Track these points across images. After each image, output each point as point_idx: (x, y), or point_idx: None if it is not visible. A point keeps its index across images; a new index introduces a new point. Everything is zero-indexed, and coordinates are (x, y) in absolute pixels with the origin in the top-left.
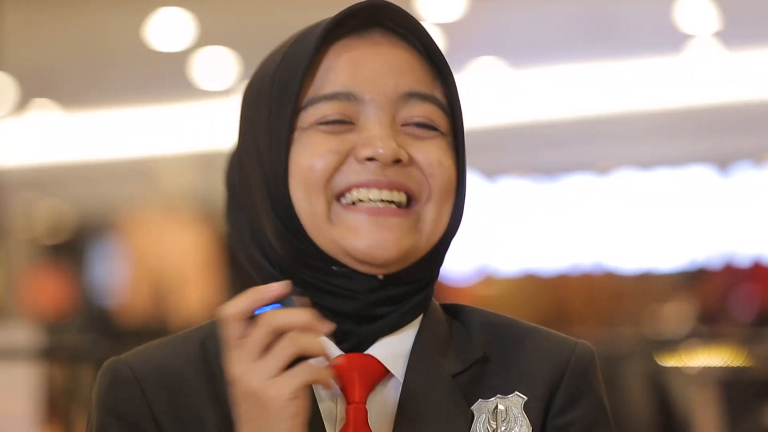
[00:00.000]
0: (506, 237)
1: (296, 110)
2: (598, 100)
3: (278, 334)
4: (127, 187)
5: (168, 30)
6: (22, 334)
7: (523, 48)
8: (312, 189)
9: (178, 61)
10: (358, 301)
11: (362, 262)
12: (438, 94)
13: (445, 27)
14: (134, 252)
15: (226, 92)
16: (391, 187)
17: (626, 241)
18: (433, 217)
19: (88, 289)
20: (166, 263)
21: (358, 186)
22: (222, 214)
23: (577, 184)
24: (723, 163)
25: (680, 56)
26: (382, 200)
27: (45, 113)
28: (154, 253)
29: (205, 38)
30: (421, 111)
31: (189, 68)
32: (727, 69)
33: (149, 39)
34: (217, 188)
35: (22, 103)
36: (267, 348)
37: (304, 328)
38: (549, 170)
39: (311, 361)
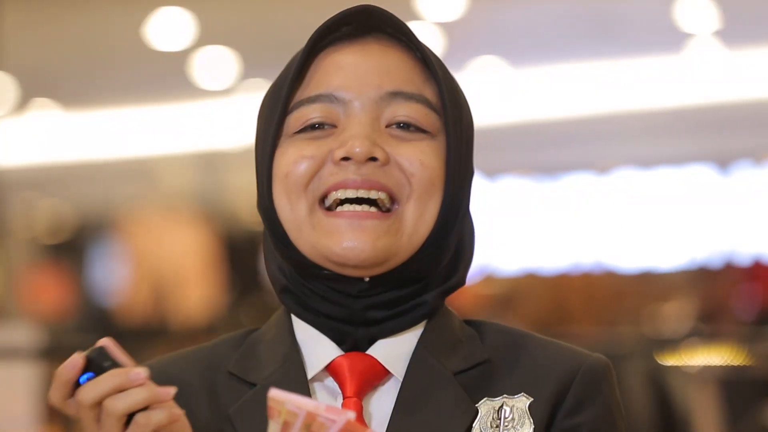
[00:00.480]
0: (506, 236)
1: (284, 115)
2: (598, 100)
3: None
4: (127, 187)
5: (168, 29)
6: (23, 334)
7: (524, 47)
8: (292, 195)
9: (178, 60)
10: (349, 307)
11: (340, 264)
12: (428, 93)
13: (445, 26)
14: (134, 252)
15: (226, 92)
16: (367, 185)
17: (626, 240)
18: (414, 217)
19: (88, 288)
20: (166, 263)
21: (336, 187)
22: (222, 214)
23: (578, 184)
24: (723, 162)
25: (680, 55)
26: (359, 198)
27: (45, 113)
28: (154, 253)
29: (205, 38)
30: (405, 111)
31: (189, 68)
32: (727, 68)
33: (149, 39)
34: (217, 188)
35: (23, 103)
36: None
37: (120, 389)
38: (549, 169)
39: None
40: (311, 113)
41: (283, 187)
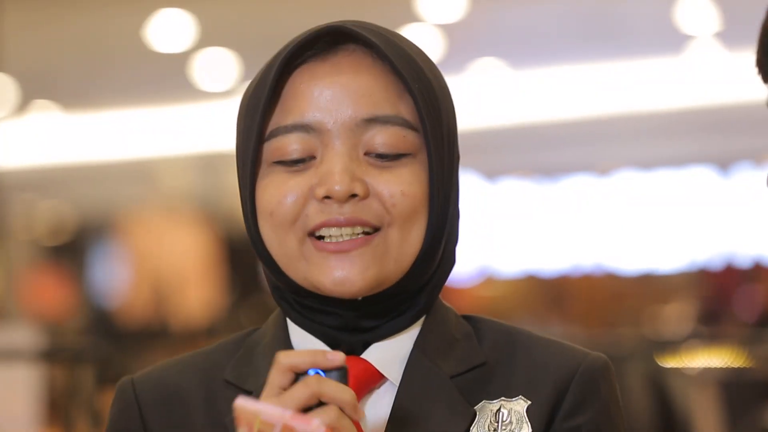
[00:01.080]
0: (507, 238)
1: (260, 141)
2: (598, 101)
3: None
4: (127, 188)
5: (168, 31)
6: (23, 335)
7: (524, 49)
8: (279, 232)
9: (178, 62)
10: (343, 316)
11: (332, 296)
12: (405, 110)
13: (446, 28)
14: (134, 253)
15: (226, 93)
16: (351, 223)
17: (627, 241)
18: (398, 242)
19: (88, 290)
20: (166, 264)
21: (321, 226)
22: (222, 216)
23: (578, 185)
24: (723, 163)
25: (680, 57)
26: (342, 235)
27: (45, 114)
28: (154, 254)
29: (205, 39)
30: (382, 139)
31: (189, 69)
32: (727, 69)
33: (150, 40)
34: (217, 189)
35: (23, 105)
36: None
37: (344, 405)
38: (549, 171)
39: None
40: (289, 145)
41: (269, 225)
